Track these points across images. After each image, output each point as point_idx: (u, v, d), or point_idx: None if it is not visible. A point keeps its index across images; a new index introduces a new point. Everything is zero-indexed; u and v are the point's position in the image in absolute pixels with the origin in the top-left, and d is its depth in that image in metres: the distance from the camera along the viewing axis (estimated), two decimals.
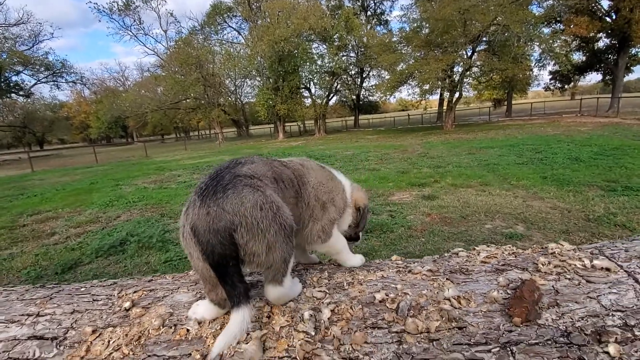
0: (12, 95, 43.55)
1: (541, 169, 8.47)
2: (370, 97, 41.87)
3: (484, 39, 21.85)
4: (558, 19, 24.55)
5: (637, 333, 0.84)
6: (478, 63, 22.64)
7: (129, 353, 0.86)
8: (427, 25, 23.34)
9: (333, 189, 1.33)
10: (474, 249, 1.28)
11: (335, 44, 31.13)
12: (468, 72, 22.83)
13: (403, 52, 25.32)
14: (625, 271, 1.03)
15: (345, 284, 1.10)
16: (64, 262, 4.95)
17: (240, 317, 0.91)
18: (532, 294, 0.90)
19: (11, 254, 5.52)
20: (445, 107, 26.93)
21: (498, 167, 9.29)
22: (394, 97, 31.38)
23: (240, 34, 41.37)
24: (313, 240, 1.26)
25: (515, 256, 1.18)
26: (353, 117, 44.30)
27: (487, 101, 54.51)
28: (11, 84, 41.64)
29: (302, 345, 0.84)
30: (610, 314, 0.89)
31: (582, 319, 0.88)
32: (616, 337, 0.83)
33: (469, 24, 19.80)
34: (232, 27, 42.04)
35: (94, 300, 1.08)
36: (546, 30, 23.34)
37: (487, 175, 8.49)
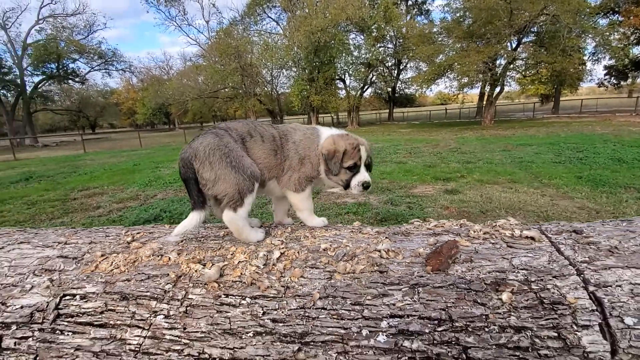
0: (69, 81, 47.36)
1: (578, 169, 8.06)
2: (407, 90, 40.92)
3: (532, 29, 20.56)
4: (616, 9, 22.46)
5: (533, 287, 0.98)
6: (523, 55, 21.39)
7: (124, 270, 1.15)
8: (470, 15, 22.35)
9: (310, 147, 1.55)
10: (429, 220, 1.43)
11: (373, 34, 30.66)
12: (512, 65, 21.65)
13: (443, 43, 24.48)
14: (550, 241, 1.15)
15: (301, 237, 1.33)
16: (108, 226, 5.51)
17: (194, 216, 1.35)
18: (449, 251, 1.06)
19: (62, 222, 6.25)
20: (485, 102, 25.76)
21: (531, 165, 8.94)
22: (431, 90, 30.54)
23: (279, 25, 41.87)
24: (288, 187, 1.54)
25: (460, 226, 1.32)
26: (387, 110, 43.58)
27: (533, 96, 51.20)
28: (68, 71, 45.28)
29: (252, 274, 1.08)
30: (517, 271, 1.03)
31: (488, 273, 1.02)
32: (513, 289, 0.98)
33: (516, 13, 18.71)
34: (271, 18, 42.63)
35: (106, 236, 1.41)
36: (602, 21, 21.48)
37: (518, 172, 8.22)
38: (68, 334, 1.03)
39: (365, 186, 1.51)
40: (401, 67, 38.24)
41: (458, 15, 24.40)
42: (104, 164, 15.32)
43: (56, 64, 43.44)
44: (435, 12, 60.79)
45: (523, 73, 23.88)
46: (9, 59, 41.08)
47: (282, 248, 1.23)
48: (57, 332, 1.03)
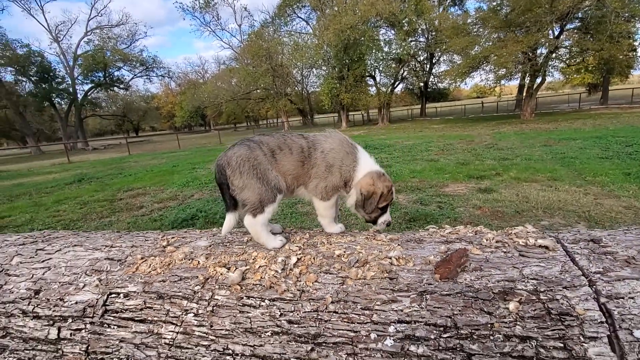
0: (115, 88, 50.71)
1: (626, 165, 7.47)
2: (440, 84, 39.67)
3: (576, 15, 19.14)
4: None
5: (542, 297, 0.99)
6: (567, 43, 19.99)
7: (160, 272, 1.29)
8: (508, 3, 21.21)
9: (343, 159, 1.64)
10: (444, 226, 1.46)
11: (404, 29, 30.01)
12: (554, 54, 20.30)
13: (478, 34, 23.43)
14: (565, 251, 1.14)
15: (318, 243, 1.42)
16: (147, 230, 5.87)
17: (229, 217, 1.56)
18: (459, 259, 1.09)
19: (110, 221, 6.76)
20: (525, 94, 24.37)
21: (575, 161, 8.40)
22: (465, 84, 29.38)
23: (309, 24, 42.19)
24: (315, 194, 1.66)
25: (475, 233, 1.34)
26: (419, 106, 42.51)
27: (579, 86, 47.62)
28: (114, 79, 48.48)
29: (270, 277, 1.18)
30: (526, 281, 1.04)
31: (497, 282, 1.05)
32: (520, 298, 0.99)
33: None
34: (301, 18, 43.04)
35: (145, 240, 1.58)
36: None
37: (559, 169, 7.77)
38: (114, 328, 1.19)
39: (388, 225, 1.66)
40: (434, 61, 37.12)
41: (495, 4, 23.23)
42: (146, 165, 16.29)
43: (103, 73, 46.71)
44: (470, 2, 58.32)
45: (567, 62, 22.30)
46: (61, 69, 44.81)
47: (300, 254, 1.32)
48: (105, 325, 1.19)
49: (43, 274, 1.38)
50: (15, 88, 42.25)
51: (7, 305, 1.30)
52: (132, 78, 51.03)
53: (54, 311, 1.24)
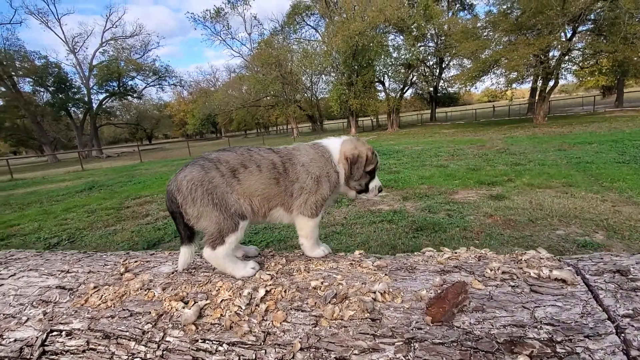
0: (128, 97, 51.81)
1: None
2: (450, 89, 39.21)
3: (588, 17, 18.66)
4: None
5: (559, 350, 0.78)
6: (579, 45, 19.47)
7: (111, 305, 1.13)
8: (518, 6, 20.85)
9: (325, 165, 1.49)
10: (443, 250, 1.26)
11: (413, 34, 29.83)
12: (567, 57, 19.79)
13: (488, 38, 23.07)
14: (586, 285, 0.93)
15: (294, 271, 1.23)
16: (150, 240, 5.77)
17: (184, 251, 1.36)
18: (456, 297, 0.89)
19: (115, 229, 6.69)
20: (537, 97, 23.80)
21: (591, 165, 8.03)
22: (476, 88, 28.91)
23: (317, 31, 42.43)
24: (303, 212, 1.46)
25: (479, 259, 1.13)
26: (429, 111, 42.06)
27: (593, 89, 46.39)
28: (127, 88, 49.55)
29: (231, 316, 1.00)
30: (539, 326, 0.83)
31: (503, 328, 0.84)
32: (532, 351, 0.79)
33: (569, 1, 17.09)
34: (310, 25, 43.35)
35: (105, 264, 1.42)
36: None
37: (575, 174, 7.42)
38: None
39: (380, 190, 1.62)
40: (443, 66, 36.75)
41: (505, 7, 22.87)
42: (155, 173, 16.39)
43: (117, 82, 47.80)
44: (479, 5, 57.83)
45: (580, 64, 21.71)
46: (77, 79, 46.08)
47: (270, 285, 1.13)
48: None
49: None
50: (34, 98, 43.59)
51: None
52: (145, 87, 52.08)
53: None
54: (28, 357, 1.05)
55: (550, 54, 20.50)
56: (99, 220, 7.41)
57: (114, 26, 46.80)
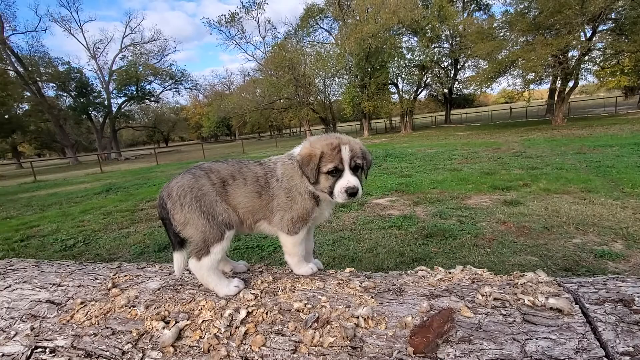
0: (146, 101, 53.15)
1: None
2: (465, 90, 38.59)
3: (609, 16, 18.05)
4: None
5: None
6: (600, 45, 18.84)
7: (95, 323, 1.13)
8: (536, 5, 20.35)
9: (293, 174, 1.39)
10: (437, 269, 1.20)
11: (427, 35, 29.52)
12: (587, 57, 19.17)
13: (504, 38, 22.59)
14: (585, 315, 0.87)
15: (279, 290, 1.19)
16: (161, 243, 5.85)
17: (177, 257, 1.37)
18: (441, 325, 0.85)
19: (128, 232, 6.82)
20: (556, 98, 23.12)
21: (611, 170, 7.72)
22: (492, 89, 28.32)
23: (331, 34, 42.50)
24: (280, 228, 1.40)
25: (472, 282, 1.08)
26: (444, 112, 41.48)
27: (615, 89, 44.76)
28: (145, 92, 50.84)
29: (210, 339, 0.98)
30: None
31: None
32: None
33: (588, 0, 16.57)
34: (323, 28, 43.45)
35: (95, 278, 1.42)
36: None
37: (594, 179, 7.15)
38: None
39: (350, 192, 1.28)
40: (458, 67, 36.23)
41: (522, 6, 22.37)
42: (170, 175, 16.66)
43: (135, 86, 49.12)
44: (495, 6, 56.70)
45: (601, 64, 20.99)
46: (98, 84, 47.60)
47: (252, 306, 1.11)
48: None
49: None
50: (57, 102, 45.21)
51: None
52: (162, 91, 53.38)
53: None
54: None
55: (570, 54, 19.92)
56: (113, 222, 7.58)
57: (133, 32, 48.28)
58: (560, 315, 0.88)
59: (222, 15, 45.74)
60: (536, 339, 0.83)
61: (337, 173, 1.31)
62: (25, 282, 1.42)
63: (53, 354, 1.06)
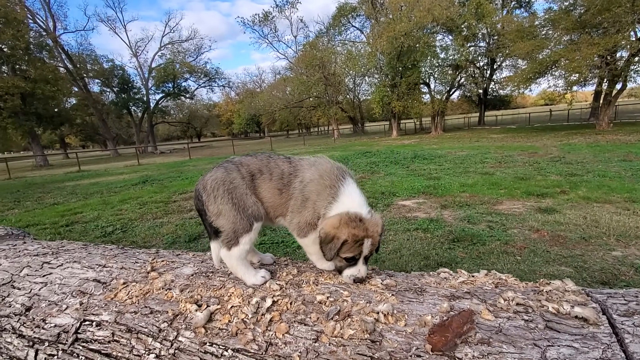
0: (182, 97, 55.27)
1: None
2: (501, 91, 37.03)
3: None
4: None
5: None
6: None
7: (135, 302, 1.23)
8: (582, 2, 19.18)
9: (320, 193, 1.40)
10: (460, 272, 1.21)
11: (463, 34, 28.59)
12: (637, 58, 17.85)
13: (546, 37, 21.46)
14: (611, 325, 0.85)
15: (303, 283, 1.25)
16: (192, 234, 6.09)
17: (213, 247, 1.43)
18: (460, 326, 0.86)
19: (162, 222, 7.16)
20: (601, 101, 21.70)
21: None
22: (530, 90, 26.97)
23: (363, 33, 42.24)
24: (291, 229, 1.49)
25: (496, 286, 1.08)
26: (477, 114, 40.03)
27: None
28: (181, 89, 52.86)
29: (237, 323, 1.05)
30: None
31: None
32: None
33: None
34: (355, 27, 43.26)
35: (135, 262, 1.54)
36: None
37: (639, 189, 6.68)
38: (82, 359, 1.14)
39: (357, 281, 1.32)
40: (495, 67, 34.84)
41: (567, 3, 21.15)
42: (202, 169, 17.28)
43: (172, 83, 51.22)
44: (537, 3, 53.95)
45: None
46: (138, 81, 50.09)
47: (278, 295, 1.17)
48: (74, 354, 1.15)
49: (39, 289, 1.41)
50: (101, 97, 48.01)
51: (2, 319, 1.33)
52: (197, 88, 55.33)
53: (34, 332, 1.24)
54: (63, 342, 1.18)
55: (618, 54, 18.63)
56: (148, 212, 7.97)
57: (172, 31, 50.34)
58: (585, 324, 0.86)
59: (255, 15, 46.74)
60: (558, 346, 0.82)
61: (352, 260, 1.34)
62: (75, 262, 1.57)
63: (99, 327, 1.18)
